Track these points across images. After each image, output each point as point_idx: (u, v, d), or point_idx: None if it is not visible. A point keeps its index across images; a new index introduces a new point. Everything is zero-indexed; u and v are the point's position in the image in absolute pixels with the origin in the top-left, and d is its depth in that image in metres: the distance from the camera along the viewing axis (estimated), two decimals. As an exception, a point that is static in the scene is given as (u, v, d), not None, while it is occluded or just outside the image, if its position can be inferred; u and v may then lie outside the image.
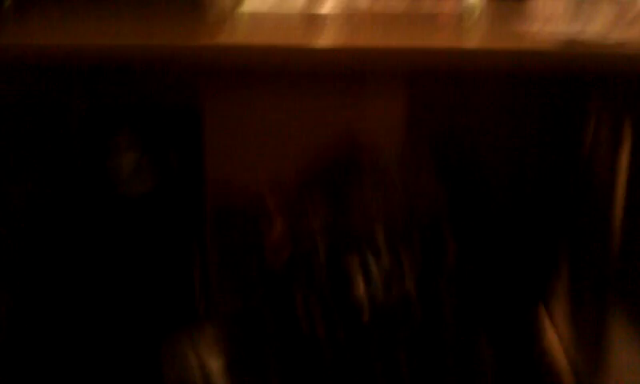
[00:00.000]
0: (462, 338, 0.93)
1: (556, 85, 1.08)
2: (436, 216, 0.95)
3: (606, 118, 0.97)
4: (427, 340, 0.88)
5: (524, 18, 0.81)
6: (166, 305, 1.06)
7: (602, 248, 0.94)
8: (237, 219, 1.08)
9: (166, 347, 1.04)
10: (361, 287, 0.84)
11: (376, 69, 1.04)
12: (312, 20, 0.81)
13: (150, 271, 1.05)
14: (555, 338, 1.13)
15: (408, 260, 0.87)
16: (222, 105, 1.11)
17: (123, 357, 1.01)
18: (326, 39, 0.74)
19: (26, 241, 0.95)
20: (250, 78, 1.09)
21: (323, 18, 0.80)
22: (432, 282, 0.86)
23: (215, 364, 1.01)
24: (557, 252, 1.16)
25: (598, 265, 0.98)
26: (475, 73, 1.03)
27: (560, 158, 1.10)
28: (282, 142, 1.13)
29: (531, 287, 1.19)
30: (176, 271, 1.07)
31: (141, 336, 1.03)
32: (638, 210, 0.85)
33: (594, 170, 1.00)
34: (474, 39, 0.79)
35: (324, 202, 0.98)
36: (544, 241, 1.16)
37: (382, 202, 0.97)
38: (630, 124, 0.88)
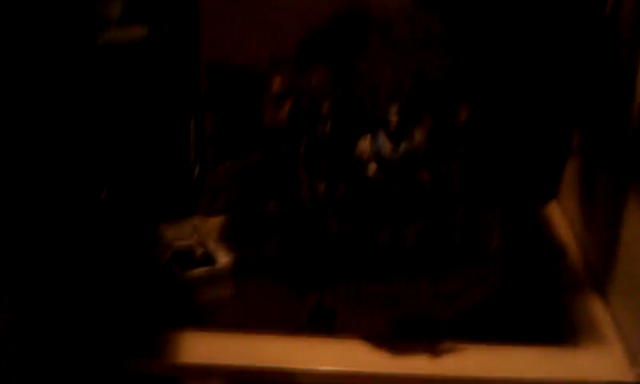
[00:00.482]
0: (472, 211, 0.88)
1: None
2: (447, 81, 0.88)
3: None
4: (435, 206, 0.83)
5: None
6: (160, 167, 1.01)
7: (619, 132, 0.88)
8: (233, 75, 1.01)
9: (160, 211, 0.99)
10: (367, 143, 0.78)
11: None
12: None
13: (141, 130, 0.99)
14: (565, 225, 1.09)
15: (418, 123, 0.81)
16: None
17: (117, 221, 0.97)
18: None
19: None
20: None
21: None
22: (442, 145, 0.81)
23: (211, 227, 0.97)
24: (570, 134, 1.10)
25: (614, 150, 0.92)
26: None
27: (578, 28, 1.02)
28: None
29: (543, 173, 1.14)
30: (170, 131, 1.01)
31: (133, 199, 0.98)
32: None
33: (614, 42, 0.93)
34: None
35: (327, 64, 0.91)
36: (558, 120, 1.10)
37: (389, 64, 0.90)
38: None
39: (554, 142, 1.09)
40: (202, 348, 0.82)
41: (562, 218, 1.10)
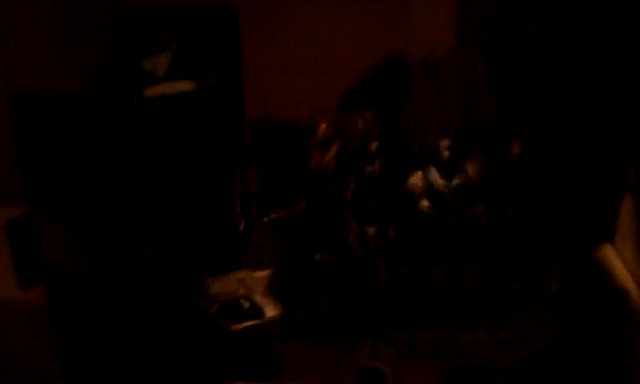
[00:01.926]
0: (529, 252, 0.85)
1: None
2: (496, 118, 0.86)
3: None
4: (490, 245, 0.80)
5: None
6: (207, 219, 1.00)
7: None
8: (276, 131, 1.01)
9: (207, 265, 0.98)
10: (418, 178, 0.76)
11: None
12: None
13: (187, 185, 0.99)
14: (622, 267, 1.04)
15: (469, 157, 0.79)
16: (261, 7, 1.03)
17: (163, 274, 0.95)
18: None
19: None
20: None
21: None
22: (495, 180, 0.78)
23: (258, 280, 0.95)
24: (624, 176, 1.07)
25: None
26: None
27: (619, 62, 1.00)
28: (325, 50, 1.06)
29: (598, 215, 1.10)
30: (215, 186, 1.00)
31: (179, 253, 0.97)
32: None
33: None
34: None
35: (373, 107, 0.90)
36: (612, 162, 1.07)
37: (436, 104, 0.89)
38: None
39: (609, 183, 1.05)
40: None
41: (618, 261, 1.05)
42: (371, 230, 0.82)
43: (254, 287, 0.94)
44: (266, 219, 0.99)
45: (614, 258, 1.07)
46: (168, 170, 0.98)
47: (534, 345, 0.84)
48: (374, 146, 0.81)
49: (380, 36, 1.02)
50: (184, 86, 0.96)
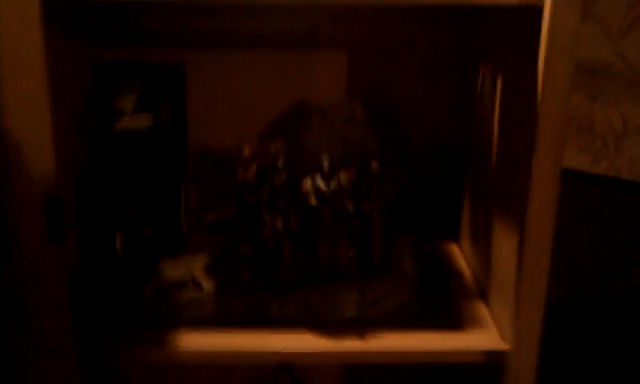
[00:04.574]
0: (388, 240, 1.23)
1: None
2: (367, 151, 1.25)
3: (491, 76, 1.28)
4: (359, 233, 1.17)
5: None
6: (158, 224, 1.33)
7: (488, 180, 1.25)
8: (215, 157, 1.39)
9: (160, 253, 1.31)
10: (308, 182, 1.13)
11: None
12: None
13: (146, 196, 1.32)
14: (461, 257, 1.45)
15: (340, 173, 1.16)
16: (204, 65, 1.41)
17: (129, 260, 1.28)
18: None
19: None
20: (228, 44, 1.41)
21: None
22: (361, 188, 1.16)
23: (199, 265, 1.29)
24: (461, 188, 1.48)
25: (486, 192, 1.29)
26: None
27: (458, 110, 1.44)
28: (248, 98, 1.44)
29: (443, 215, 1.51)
30: (166, 195, 1.34)
31: (140, 245, 1.30)
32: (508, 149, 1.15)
33: (480, 120, 1.32)
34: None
35: (283, 139, 1.27)
36: (450, 181, 1.49)
37: (324, 139, 1.28)
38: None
39: (449, 194, 1.47)
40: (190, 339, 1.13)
41: (459, 254, 1.46)
42: (279, 223, 1.19)
43: (194, 268, 1.29)
44: (204, 219, 1.34)
45: (455, 252, 1.48)
46: (131, 185, 1.31)
47: (392, 304, 1.21)
48: (280, 162, 1.18)
49: (289, 89, 1.42)
50: (144, 120, 1.31)
